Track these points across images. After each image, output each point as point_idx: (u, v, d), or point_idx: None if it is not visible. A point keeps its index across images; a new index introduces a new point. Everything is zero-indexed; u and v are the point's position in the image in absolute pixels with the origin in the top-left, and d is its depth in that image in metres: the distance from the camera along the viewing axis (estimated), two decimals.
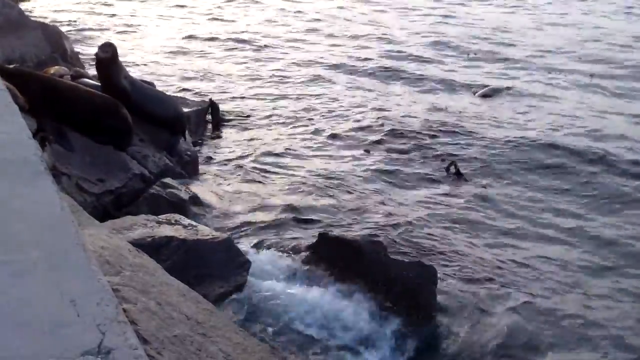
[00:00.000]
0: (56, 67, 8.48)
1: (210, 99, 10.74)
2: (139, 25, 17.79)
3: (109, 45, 7.19)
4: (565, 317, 5.96)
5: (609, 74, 14.55)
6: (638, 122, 11.53)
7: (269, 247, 6.08)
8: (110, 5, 19.88)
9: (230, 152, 9.52)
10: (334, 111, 11.60)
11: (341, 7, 21.83)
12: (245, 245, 6.37)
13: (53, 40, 10.37)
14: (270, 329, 5.15)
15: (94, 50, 7.63)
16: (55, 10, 18.26)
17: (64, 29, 13.24)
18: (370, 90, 13.04)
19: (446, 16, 20.92)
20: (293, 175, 8.76)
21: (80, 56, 11.56)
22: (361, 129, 10.75)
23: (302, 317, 5.31)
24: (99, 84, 7.43)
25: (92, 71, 8.90)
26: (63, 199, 2.91)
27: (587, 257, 7.02)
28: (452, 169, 9.06)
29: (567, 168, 9.40)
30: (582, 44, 17.49)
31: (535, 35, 18.58)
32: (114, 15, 18.66)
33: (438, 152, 9.81)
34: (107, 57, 7.05)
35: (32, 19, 11.44)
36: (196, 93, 11.90)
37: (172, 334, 3.34)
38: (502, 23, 20.04)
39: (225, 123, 10.74)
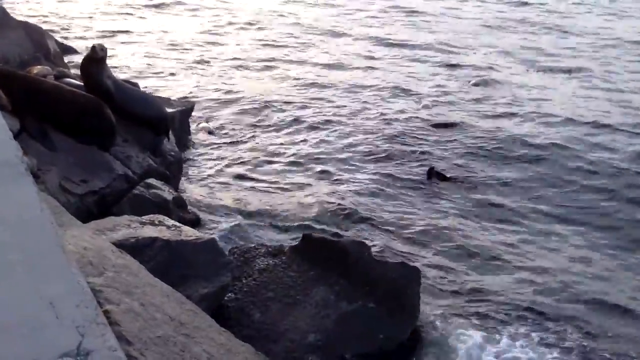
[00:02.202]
0: (39, 66, 8.39)
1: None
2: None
3: (100, 47, 7.22)
4: (548, 318, 6.02)
5: None
6: None
7: (253, 248, 6.07)
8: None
9: (214, 153, 9.50)
10: (320, 117, 11.51)
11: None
12: (228, 246, 6.37)
13: (36, 39, 10.27)
14: (253, 330, 5.15)
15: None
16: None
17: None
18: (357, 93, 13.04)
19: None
20: (277, 177, 8.77)
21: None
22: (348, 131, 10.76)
23: (288, 318, 5.31)
24: (82, 83, 7.40)
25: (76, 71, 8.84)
26: (44, 200, 2.89)
27: (575, 261, 7.08)
28: (434, 176, 8.86)
29: (552, 164, 9.52)
30: None
31: None
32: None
33: (422, 152, 9.81)
34: (100, 58, 7.09)
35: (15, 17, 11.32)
36: (180, 93, 11.84)
37: (155, 334, 3.33)
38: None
39: (211, 125, 10.69)
